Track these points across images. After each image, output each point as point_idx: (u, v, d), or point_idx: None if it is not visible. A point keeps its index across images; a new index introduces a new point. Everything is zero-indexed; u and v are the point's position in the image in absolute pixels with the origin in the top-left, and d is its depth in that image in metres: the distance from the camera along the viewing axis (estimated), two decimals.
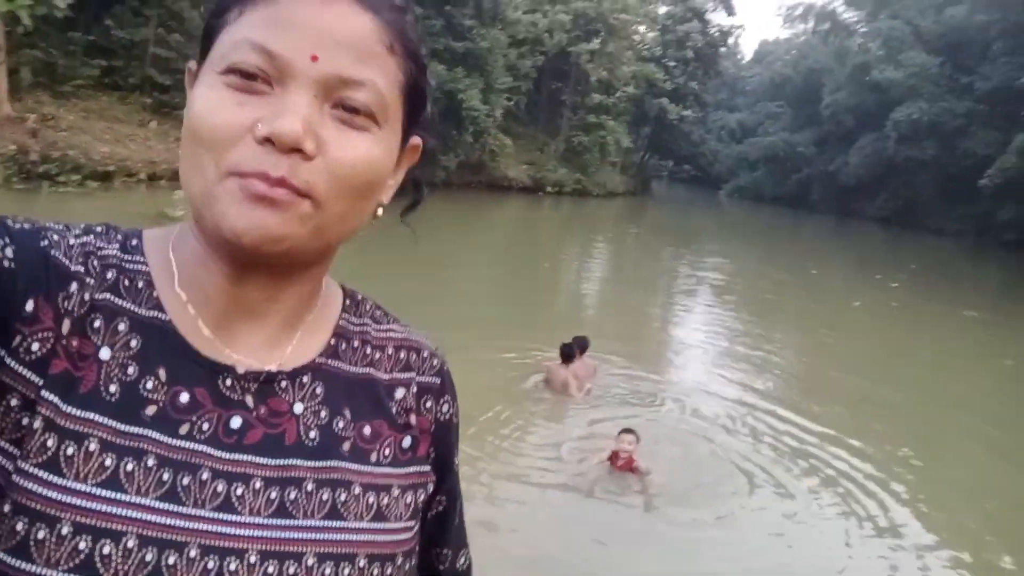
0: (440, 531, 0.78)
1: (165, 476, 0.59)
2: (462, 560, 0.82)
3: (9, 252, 0.58)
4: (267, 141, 0.56)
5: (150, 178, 15.00)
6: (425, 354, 0.77)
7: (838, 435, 6.73)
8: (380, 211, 0.68)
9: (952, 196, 44.27)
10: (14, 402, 0.57)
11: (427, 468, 0.74)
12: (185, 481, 0.59)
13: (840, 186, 52.29)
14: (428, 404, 0.75)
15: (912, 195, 47.56)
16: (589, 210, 31.46)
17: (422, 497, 0.72)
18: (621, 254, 20.99)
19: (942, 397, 9.29)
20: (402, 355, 0.75)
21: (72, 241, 0.63)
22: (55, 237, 0.62)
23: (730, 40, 54.81)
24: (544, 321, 9.50)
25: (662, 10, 46.11)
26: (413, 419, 0.73)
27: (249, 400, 0.64)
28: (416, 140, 0.69)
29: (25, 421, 0.57)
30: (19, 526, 0.54)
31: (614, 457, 5.44)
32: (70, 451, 0.57)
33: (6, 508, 0.55)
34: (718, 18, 52.95)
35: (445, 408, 0.76)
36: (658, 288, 15.68)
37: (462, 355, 7.08)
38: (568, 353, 6.90)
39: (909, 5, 48.38)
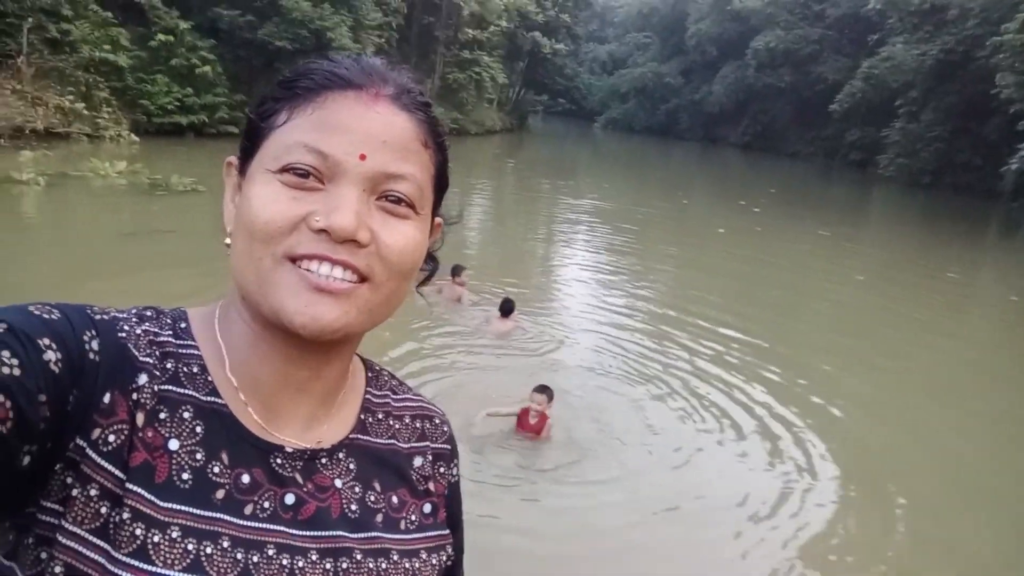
0: None
1: (239, 556, 0.63)
2: None
3: (96, 345, 0.61)
4: (322, 232, 0.62)
5: None
6: (437, 421, 0.84)
7: (723, 359, 7.32)
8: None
9: (805, 121, 47.12)
10: (93, 492, 0.59)
11: (447, 531, 0.79)
12: (255, 559, 0.64)
13: (705, 114, 54.48)
14: (442, 470, 0.81)
15: (770, 121, 50.26)
16: (468, 149, 31.26)
17: (444, 558, 0.77)
18: (501, 191, 21.18)
19: (802, 315, 10.20)
20: (418, 424, 0.82)
21: (138, 331, 0.66)
22: (127, 328, 0.65)
23: None
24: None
25: None
26: (432, 486, 0.79)
27: (298, 477, 0.69)
28: (438, 219, 0.76)
29: (104, 510, 0.60)
30: None
31: (523, 416, 5.29)
32: (156, 539, 0.60)
33: None
34: None
35: (455, 471, 0.84)
36: (539, 223, 16.04)
37: None
38: (509, 309, 7.39)
39: None
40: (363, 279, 0.64)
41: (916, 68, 34.79)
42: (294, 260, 0.63)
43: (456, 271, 7.93)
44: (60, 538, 0.59)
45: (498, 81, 39.04)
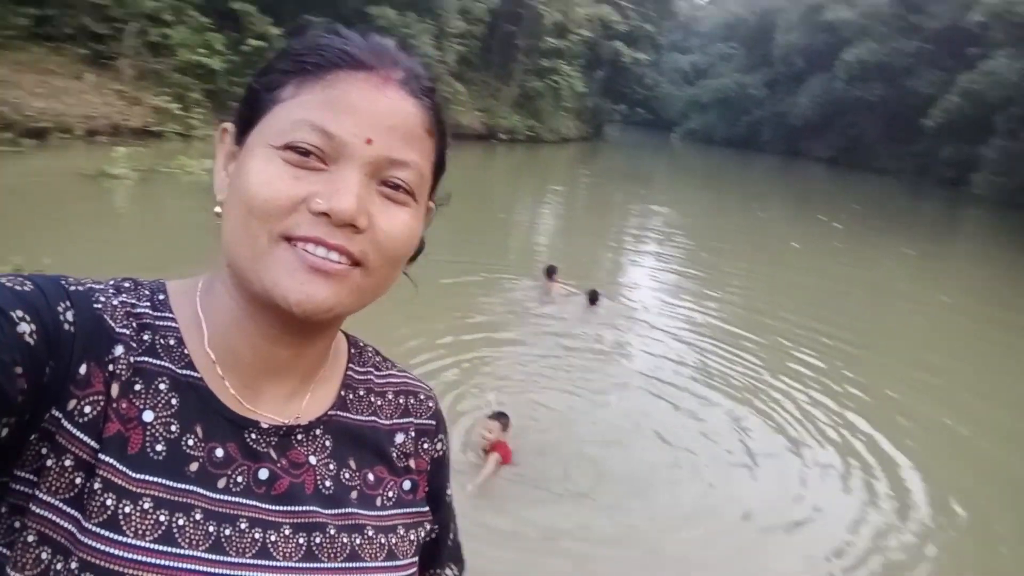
0: (433, 554, 0.82)
1: (211, 528, 0.63)
2: (451, 573, 0.87)
3: (70, 316, 0.61)
4: (323, 215, 0.62)
5: (88, 134, 14.49)
6: (421, 397, 0.83)
7: (777, 377, 7.07)
8: None
9: (895, 136, 45.21)
10: (68, 463, 0.60)
11: (426, 508, 0.79)
12: (227, 532, 0.64)
13: (789, 127, 52.96)
14: (425, 446, 0.81)
15: (858, 135, 48.43)
16: (543, 156, 31.42)
17: (422, 534, 0.78)
18: (574, 200, 21.13)
19: (881, 335, 9.76)
20: (401, 400, 0.81)
21: (115, 302, 0.66)
22: (103, 299, 0.65)
23: None
24: (494, 268, 9.73)
25: None
26: (412, 463, 0.79)
27: (272, 453, 0.69)
28: (431, 203, 0.74)
29: (79, 481, 0.60)
30: None
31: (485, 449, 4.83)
32: (128, 509, 0.60)
33: (73, 566, 0.58)
34: None
35: (439, 446, 0.83)
36: (609, 232, 15.93)
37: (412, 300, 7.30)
38: (594, 298, 8.42)
39: None
40: (356, 263, 0.64)
41: (1019, 83, 32.96)
42: (289, 240, 0.62)
43: (551, 272, 8.81)
44: (33, 507, 0.59)
45: (576, 90, 38.99)
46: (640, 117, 65.09)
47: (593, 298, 8.41)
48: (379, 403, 0.79)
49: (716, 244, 15.09)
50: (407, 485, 0.78)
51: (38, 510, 0.59)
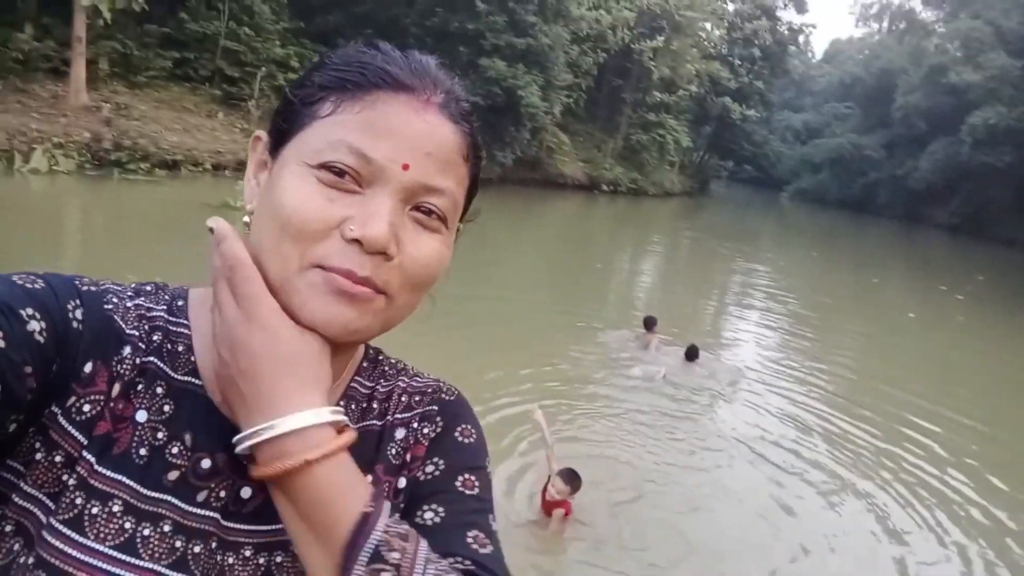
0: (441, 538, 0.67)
1: (178, 544, 0.61)
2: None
3: (79, 314, 0.62)
4: (355, 241, 0.61)
5: (215, 168, 15.53)
6: (428, 391, 0.78)
7: (902, 455, 6.44)
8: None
9: None
10: (58, 459, 0.60)
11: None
12: (196, 549, 0.62)
13: (908, 191, 50.57)
14: (426, 430, 0.75)
15: (984, 203, 45.64)
16: (645, 209, 31.17)
17: None
18: (675, 254, 20.74)
19: (1014, 416, 8.87)
20: (404, 399, 0.77)
21: (128, 304, 0.66)
22: (115, 300, 0.65)
23: (800, 39, 53.30)
24: (587, 315, 9.56)
25: (730, 7, 45.13)
26: (409, 456, 0.73)
27: None
28: (460, 226, 0.73)
29: (65, 477, 0.60)
30: None
31: (548, 499, 4.45)
32: (95, 510, 0.59)
33: (30, 561, 0.57)
34: (788, 16, 51.89)
35: (440, 424, 0.75)
36: (711, 290, 15.46)
37: (499, 353, 7.20)
38: (693, 354, 7.99)
39: (992, 4, 46.28)
40: (380, 292, 0.63)
41: None
42: (323, 268, 0.62)
43: (649, 323, 8.54)
44: (15, 498, 0.59)
45: (682, 144, 38.77)
46: (748, 174, 63.95)
47: (692, 353, 7.98)
48: (381, 407, 0.76)
49: (825, 307, 14.38)
50: (402, 483, 0.72)
51: (19, 501, 0.59)
